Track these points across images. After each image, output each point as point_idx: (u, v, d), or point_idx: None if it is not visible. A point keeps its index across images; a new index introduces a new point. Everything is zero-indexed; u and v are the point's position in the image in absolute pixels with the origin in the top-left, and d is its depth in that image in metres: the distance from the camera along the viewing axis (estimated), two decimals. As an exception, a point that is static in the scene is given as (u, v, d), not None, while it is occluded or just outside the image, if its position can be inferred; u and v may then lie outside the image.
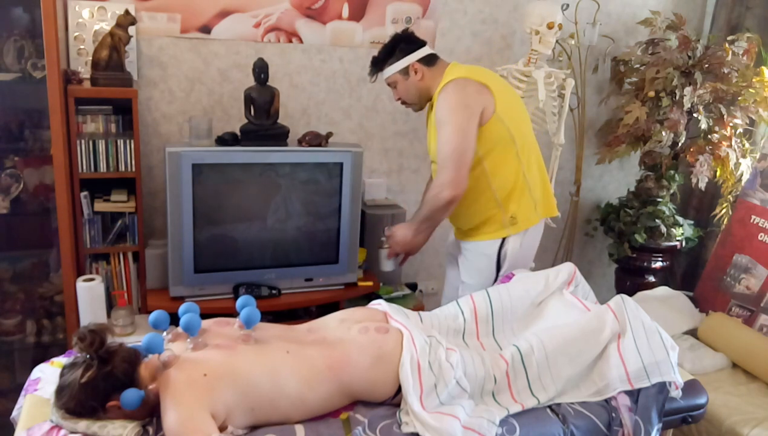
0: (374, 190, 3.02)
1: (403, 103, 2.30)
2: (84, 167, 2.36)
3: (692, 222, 3.35)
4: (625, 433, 1.74)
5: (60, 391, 1.50)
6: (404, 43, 2.22)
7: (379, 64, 2.27)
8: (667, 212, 3.17)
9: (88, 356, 1.47)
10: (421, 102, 2.28)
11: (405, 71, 2.22)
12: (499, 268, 2.26)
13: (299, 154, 2.55)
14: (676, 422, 1.92)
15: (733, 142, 3.02)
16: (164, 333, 1.67)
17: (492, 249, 2.25)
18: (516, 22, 3.09)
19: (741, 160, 3.02)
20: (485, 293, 1.99)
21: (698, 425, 2.23)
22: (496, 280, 2.25)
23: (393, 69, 2.23)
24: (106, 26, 2.46)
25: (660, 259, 3.24)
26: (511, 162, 2.18)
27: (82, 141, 2.33)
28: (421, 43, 2.23)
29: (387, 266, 2.30)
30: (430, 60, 2.22)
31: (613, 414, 1.75)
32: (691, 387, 1.91)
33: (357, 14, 2.87)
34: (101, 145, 2.36)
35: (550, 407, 1.76)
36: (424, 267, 3.35)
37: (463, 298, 2.02)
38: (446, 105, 2.10)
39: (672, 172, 3.18)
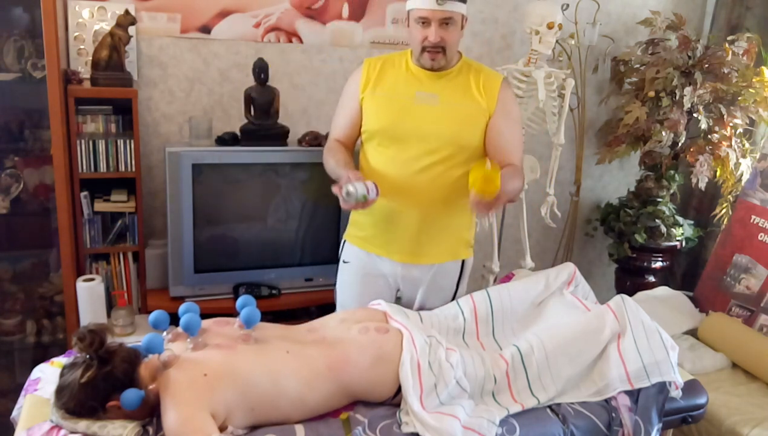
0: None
1: (438, 51, 1.89)
2: (84, 167, 2.36)
3: (692, 222, 3.34)
4: (625, 433, 1.74)
5: (60, 391, 1.50)
6: None
7: None
8: (667, 212, 3.17)
9: (88, 356, 1.48)
10: (451, 60, 1.96)
11: (462, 18, 1.90)
12: (458, 287, 2.14)
13: (299, 154, 2.55)
14: (676, 422, 1.92)
15: (733, 142, 3.01)
16: (164, 333, 1.67)
17: (456, 268, 2.12)
18: (516, 22, 3.09)
19: (741, 160, 3.02)
20: (485, 293, 1.99)
21: (698, 425, 2.23)
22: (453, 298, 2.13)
23: (462, 7, 1.88)
24: (106, 26, 2.46)
25: (660, 259, 3.24)
26: None
27: (82, 141, 2.33)
28: None
29: None
30: None
31: (613, 414, 1.75)
32: (691, 387, 1.92)
33: (357, 14, 2.87)
34: (101, 145, 2.36)
35: (550, 407, 1.76)
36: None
37: (463, 298, 2.02)
38: (516, 103, 2.06)
39: (672, 172, 3.18)
